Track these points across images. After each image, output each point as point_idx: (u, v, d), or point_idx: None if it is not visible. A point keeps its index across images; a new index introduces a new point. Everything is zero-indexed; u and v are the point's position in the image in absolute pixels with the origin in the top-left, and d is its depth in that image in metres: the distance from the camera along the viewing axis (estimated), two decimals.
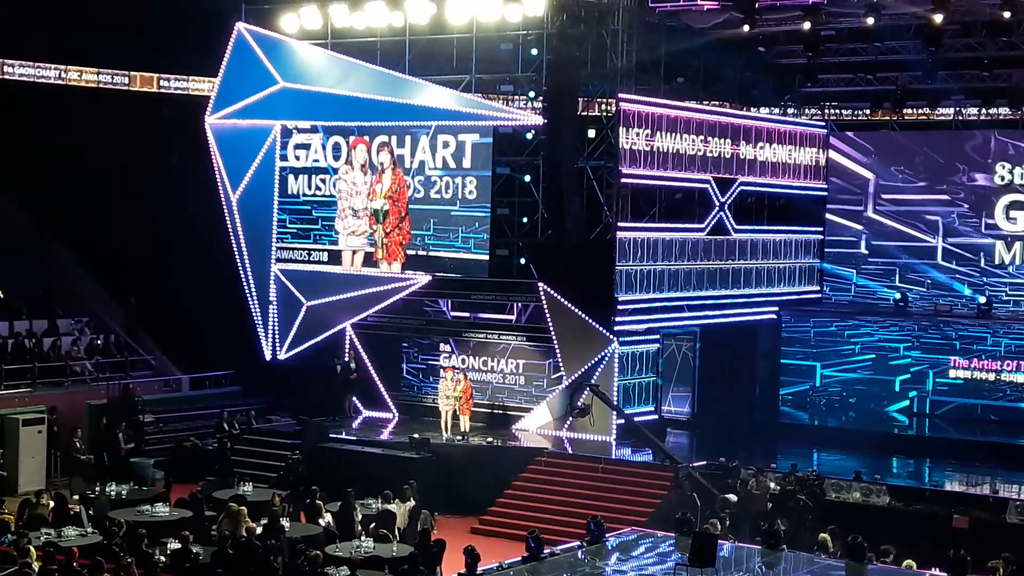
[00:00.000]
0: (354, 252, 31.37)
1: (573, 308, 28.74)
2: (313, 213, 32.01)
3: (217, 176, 32.46)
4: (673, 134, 30.08)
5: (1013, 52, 30.75)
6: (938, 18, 27.77)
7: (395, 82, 30.27)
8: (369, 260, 31.10)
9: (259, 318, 32.43)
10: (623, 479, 26.44)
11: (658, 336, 30.84)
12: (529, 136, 29.26)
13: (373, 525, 22.48)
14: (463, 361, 31.08)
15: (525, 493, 26.81)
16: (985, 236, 33.72)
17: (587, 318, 28.68)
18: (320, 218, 31.93)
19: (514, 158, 29.61)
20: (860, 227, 35.21)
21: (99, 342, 33.31)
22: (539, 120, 29.26)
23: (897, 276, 34.71)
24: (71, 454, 28.59)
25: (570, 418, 29.23)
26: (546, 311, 29.05)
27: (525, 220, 29.74)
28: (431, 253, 30.21)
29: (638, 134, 29.03)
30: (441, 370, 30.98)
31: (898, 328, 33.26)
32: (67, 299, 34.39)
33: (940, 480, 27.94)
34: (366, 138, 31.04)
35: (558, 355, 29.20)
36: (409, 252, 30.48)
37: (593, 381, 28.75)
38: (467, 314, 31.21)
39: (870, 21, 28.27)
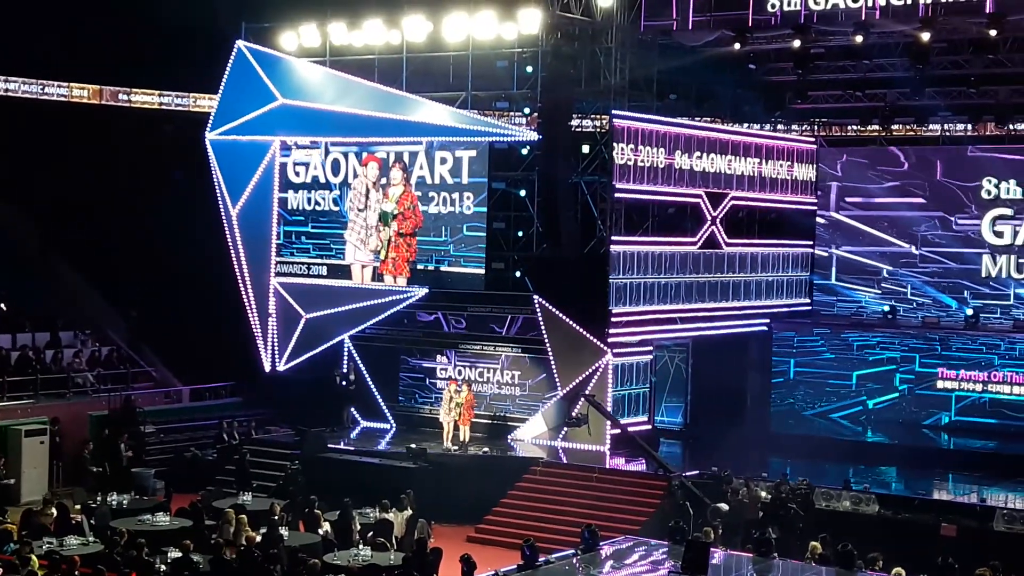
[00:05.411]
0: (363, 267, 31.67)
1: (568, 320, 29.15)
2: (312, 227, 32.42)
3: (217, 191, 32.86)
4: (665, 150, 30.53)
5: (999, 70, 31.01)
6: (925, 36, 28.11)
7: (392, 99, 30.65)
8: (376, 275, 31.46)
9: (259, 330, 32.78)
10: (617, 488, 26.77)
11: (651, 348, 31.22)
12: (524, 152, 29.65)
13: (371, 534, 22.76)
14: (460, 372, 31.46)
15: (521, 502, 27.15)
16: (972, 249, 34.11)
17: (582, 330, 29.07)
18: (319, 233, 32.33)
19: (509, 173, 29.98)
20: (843, 238, 35.81)
21: (101, 354, 33.70)
22: (534, 136, 29.69)
23: (881, 288, 35.14)
24: (84, 465, 28.92)
25: (565, 428, 29.57)
26: (541, 323, 29.48)
27: (520, 234, 30.11)
28: (430, 268, 30.59)
29: (631, 150, 29.48)
30: (442, 382, 31.35)
31: (887, 339, 33.67)
32: (69, 312, 34.66)
33: (928, 489, 28.29)
34: (379, 156, 31.35)
35: (553, 366, 29.61)
36: (417, 267, 30.79)
37: (588, 392, 29.15)
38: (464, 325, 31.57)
39: (859, 39, 28.54)
